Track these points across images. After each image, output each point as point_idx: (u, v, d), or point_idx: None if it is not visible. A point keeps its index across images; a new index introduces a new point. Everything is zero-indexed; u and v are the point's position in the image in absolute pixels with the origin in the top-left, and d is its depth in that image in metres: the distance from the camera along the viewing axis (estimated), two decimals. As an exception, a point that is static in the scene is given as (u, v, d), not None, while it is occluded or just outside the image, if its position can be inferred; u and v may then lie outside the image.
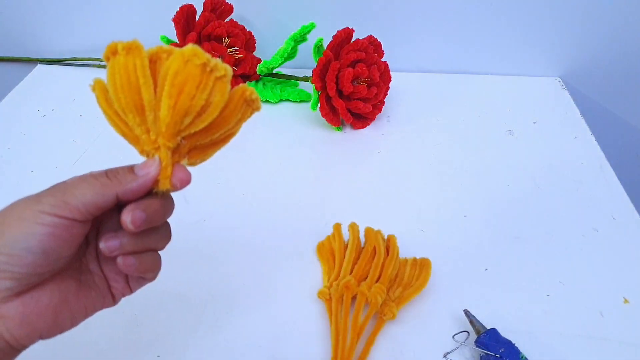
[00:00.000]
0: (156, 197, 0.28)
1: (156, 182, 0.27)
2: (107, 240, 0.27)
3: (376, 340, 0.41)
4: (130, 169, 0.27)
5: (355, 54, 0.61)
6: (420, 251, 0.48)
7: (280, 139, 0.64)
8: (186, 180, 0.28)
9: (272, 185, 0.57)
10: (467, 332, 0.41)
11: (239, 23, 0.69)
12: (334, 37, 0.61)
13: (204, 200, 0.53)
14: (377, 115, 0.67)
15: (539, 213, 0.54)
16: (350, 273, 0.44)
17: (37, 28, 0.75)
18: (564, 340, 0.42)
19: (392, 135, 0.65)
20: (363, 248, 0.47)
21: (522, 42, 0.72)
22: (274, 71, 0.70)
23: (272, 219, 0.52)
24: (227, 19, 0.69)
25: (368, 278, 0.44)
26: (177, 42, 0.64)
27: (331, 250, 0.48)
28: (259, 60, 0.69)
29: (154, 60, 0.26)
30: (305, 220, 0.52)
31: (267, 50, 0.72)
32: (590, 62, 0.73)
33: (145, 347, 0.41)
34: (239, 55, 0.65)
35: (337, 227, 0.49)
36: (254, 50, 0.70)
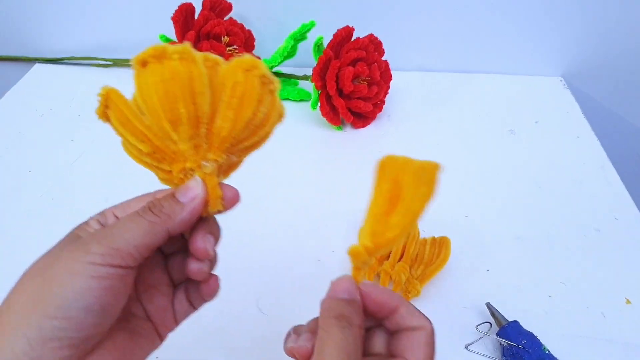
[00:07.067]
0: (208, 221, 0.26)
1: (206, 204, 0.25)
2: (200, 268, 0.26)
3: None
4: (172, 197, 0.25)
5: (355, 53, 0.60)
6: (421, 252, 0.48)
7: (279, 139, 0.63)
8: (236, 199, 0.26)
9: (271, 185, 0.56)
10: (490, 323, 0.42)
11: (238, 21, 0.68)
12: (334, 35, 0.61)
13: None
14: (377, 115, 0.66)
15: (541, 213, 0.54)
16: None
17: (35, 27, 0.74)
18: (566, 342, 0.42)
19: (392, 135, 0.65)
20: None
21: (524, 41, 0.72)
22: (273, 70, 0.70)
23: (270, 219, 0.52)
24: (226, 17, 0.68)
25: (390, 257, 0.45)
26: (176, 40, 0.64)
27: None
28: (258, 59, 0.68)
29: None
30: (305, 220, 0.52)
31: (266, 48, 0.72)
32: (593, 62, 0.73)
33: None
34: (239, 54, 0.65)
35: None
36: (253, 49, 0.70)
